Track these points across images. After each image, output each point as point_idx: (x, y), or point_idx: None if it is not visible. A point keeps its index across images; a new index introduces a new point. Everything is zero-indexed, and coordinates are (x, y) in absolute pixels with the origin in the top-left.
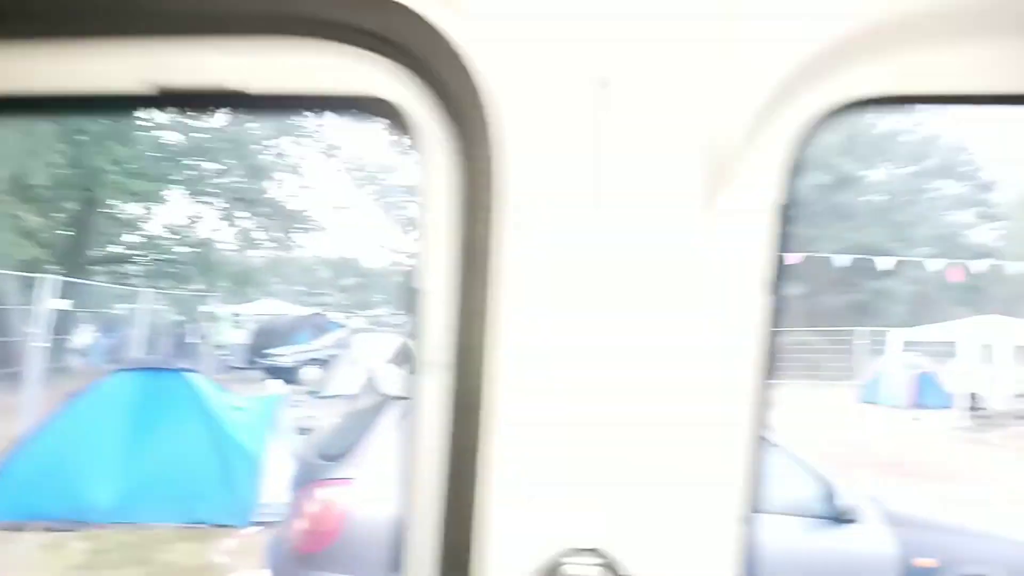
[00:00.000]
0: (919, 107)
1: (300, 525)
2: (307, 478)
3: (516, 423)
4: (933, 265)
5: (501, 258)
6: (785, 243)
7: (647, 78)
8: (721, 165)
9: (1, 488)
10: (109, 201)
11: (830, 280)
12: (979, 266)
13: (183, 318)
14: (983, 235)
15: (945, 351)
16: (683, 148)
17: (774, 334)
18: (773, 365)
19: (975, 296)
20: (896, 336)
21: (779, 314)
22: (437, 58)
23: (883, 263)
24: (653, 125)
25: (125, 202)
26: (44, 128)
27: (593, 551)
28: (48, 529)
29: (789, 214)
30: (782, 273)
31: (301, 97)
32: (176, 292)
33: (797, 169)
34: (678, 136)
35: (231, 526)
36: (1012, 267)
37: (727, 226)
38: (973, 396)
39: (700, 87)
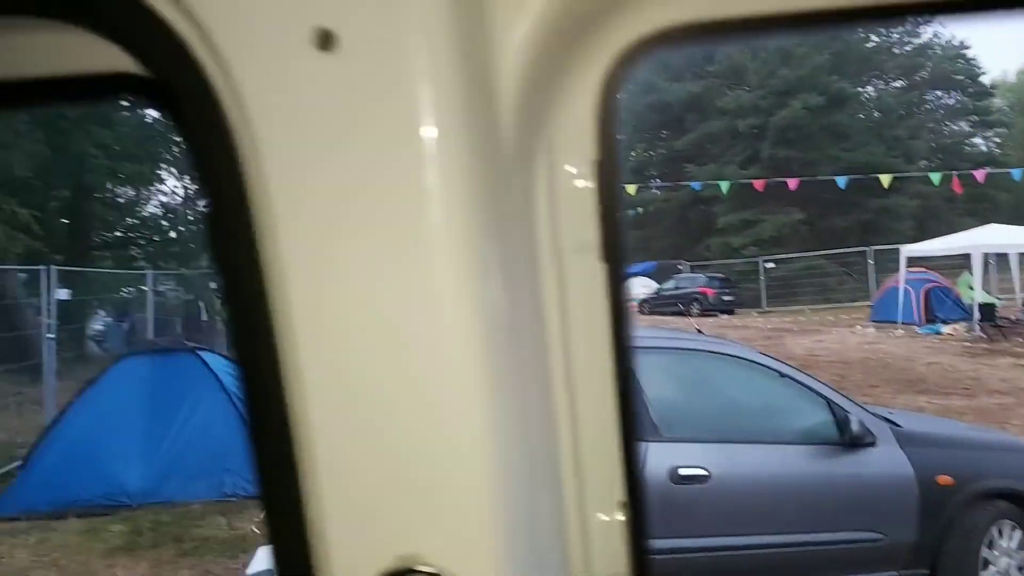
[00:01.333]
0: (732, 35)
1: None
2: None
3: (327, 422)
4: (935, 178)
5: (266, 235)
6: (611, 202)
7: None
8: (516, 124)
9: (34, 478)
10: (101, 186)
11: (833, 202)
12: (982, 175)
13: (193, 297)
14: (984, 143)
15: (956, 263)
16: (462, 107)
17: (619, 296)
18: (625, 340)
19: (980, 206)
20: (905, 252)
21: (619, 277)
22: (137, 28)
23: (884, 180)
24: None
25: (117, 185)
26: (19, 117)
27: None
28: (84, 515)
29: (609, 169)
30: (616, 235)
31: (43, 82)
32: (183, 272)
33: (609, 118)
34: (449, 94)
35: None
36: (1015, 174)
37: (534, 192)
38: (987, 306)
39: (472, 35)
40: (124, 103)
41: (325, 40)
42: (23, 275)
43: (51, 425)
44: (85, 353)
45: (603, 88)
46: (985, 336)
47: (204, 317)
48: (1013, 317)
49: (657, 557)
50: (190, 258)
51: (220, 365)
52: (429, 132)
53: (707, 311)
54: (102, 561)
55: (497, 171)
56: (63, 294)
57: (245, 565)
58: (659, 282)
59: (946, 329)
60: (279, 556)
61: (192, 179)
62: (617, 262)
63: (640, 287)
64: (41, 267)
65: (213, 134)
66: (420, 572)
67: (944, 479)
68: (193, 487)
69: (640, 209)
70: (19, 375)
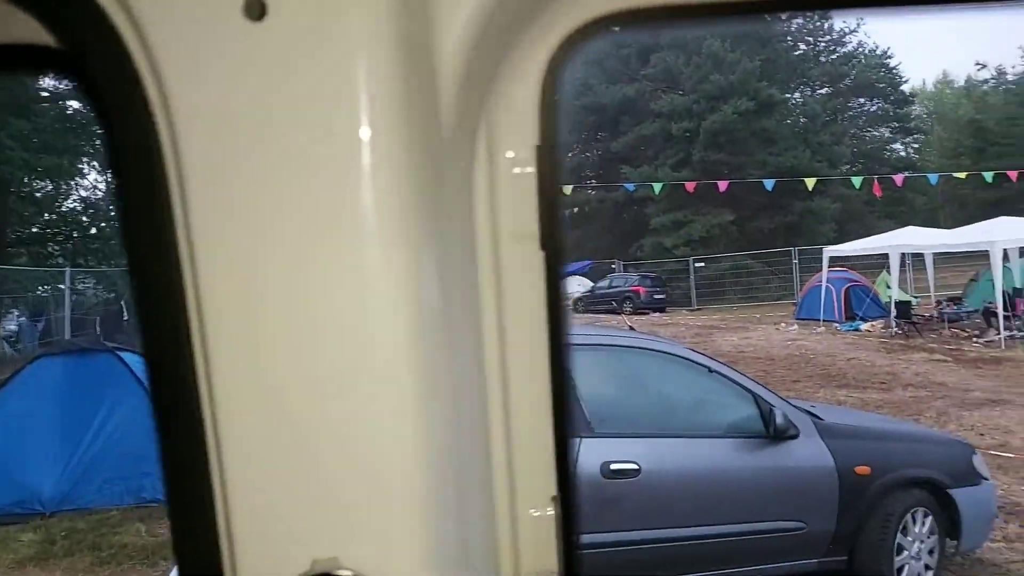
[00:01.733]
0: (671, 21)
1: None
2: None
3: (241, 422)
4: (856, 182)
5: (181, 218)
6: (551, 188)
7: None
8: (456, 105)
9: None
10: (18, 179)
11: (760, 204)
12: (900, 179)
13: (114, 295)
14: (903, 149)
15: (875, 263)
16: (399, 86)
17: (556, 287)
18: (561, 330)
19: (898, 208)
20: (827, 253)
21: (558, 266)
22: None
23: (809, 183)
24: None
25: (35, 179)
26: None
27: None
28: None
29: (550, 155)
30: (555, 222)
31: None
32: (103, 269)
33: (550, 104)
34: (385, 73)
35: None
36: (931, 178)
37: (473, 177)
38: (903, 304)
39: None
40: (44, 91)
41: (255, 8)
42: None
43: None
44: None
45: (546, 74)
46: (901, 333)
47: (125, 316)
48: (927, 314)
49: (587, 552)
50: (111, 255)
51: (141, 366)
52: (363, 110)
53: (639, 309)
54: (11, 572)
55: (435, 153)
56: None
57: (165, 573)
58: (594, 281)
59: (865, 326)
60: (184, 561)
61: (106, 158)
62: (556, 250)
63: (575, 285)
64: None
65: (127, 107)
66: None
67: (862, 469)
68: (110, 493)
69: (575, 209)
70: None
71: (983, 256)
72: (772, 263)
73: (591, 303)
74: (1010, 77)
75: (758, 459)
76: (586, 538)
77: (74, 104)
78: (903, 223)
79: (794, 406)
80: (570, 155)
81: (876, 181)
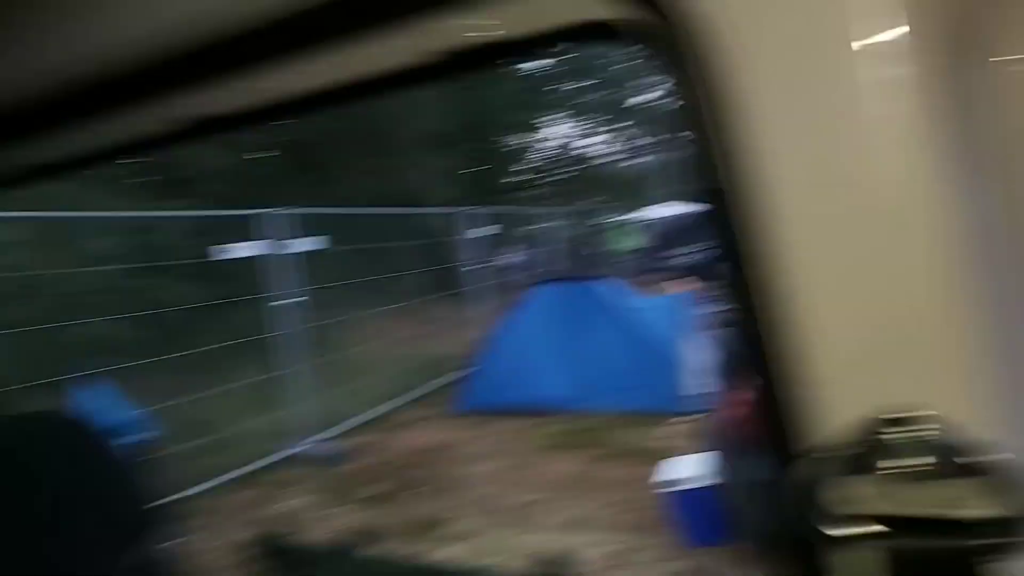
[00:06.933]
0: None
1: (731, 412)
2: (727, 368)
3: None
4: None
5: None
6: None
7: None
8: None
9: (476, 384)
10: (504, 135)
11: None
12: None
13: (585, 231)
14: None
15: None
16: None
17: None
18: None
19: None
20: None
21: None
22: None
23: None
24: None
25: (517, 133)
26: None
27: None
28: (517, 416)
29: None
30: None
31: (534, 38)
32: (575, 208)
33: None
34: None
35: (661, 414)
36: None
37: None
38: None
39: None
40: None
41: None
42: (450, 217)
43: (487, 340)
44: (497, 282)
45: None
46: None
47: (595, 249)
48: None
49: None
50: (580, 195)
51: (619, 292)
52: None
53: None
54: (544, 453)
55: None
56: (489, 231)
57: (656, 470)
58: None
59: None
60: (775, 403)
61: (681, 120)
62: None
63: None
64: (465, 209)
65: (699, 76)
66: (917, 416)
67: None
68: (605, 401)
69: None
70: (440, 302)
71: None
72: None
73: None
74: None
75: None
76: None
77: (527, 66)
78: None
79: None
80: None
81: None
